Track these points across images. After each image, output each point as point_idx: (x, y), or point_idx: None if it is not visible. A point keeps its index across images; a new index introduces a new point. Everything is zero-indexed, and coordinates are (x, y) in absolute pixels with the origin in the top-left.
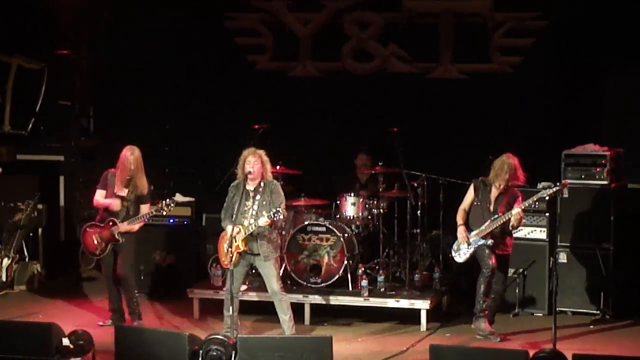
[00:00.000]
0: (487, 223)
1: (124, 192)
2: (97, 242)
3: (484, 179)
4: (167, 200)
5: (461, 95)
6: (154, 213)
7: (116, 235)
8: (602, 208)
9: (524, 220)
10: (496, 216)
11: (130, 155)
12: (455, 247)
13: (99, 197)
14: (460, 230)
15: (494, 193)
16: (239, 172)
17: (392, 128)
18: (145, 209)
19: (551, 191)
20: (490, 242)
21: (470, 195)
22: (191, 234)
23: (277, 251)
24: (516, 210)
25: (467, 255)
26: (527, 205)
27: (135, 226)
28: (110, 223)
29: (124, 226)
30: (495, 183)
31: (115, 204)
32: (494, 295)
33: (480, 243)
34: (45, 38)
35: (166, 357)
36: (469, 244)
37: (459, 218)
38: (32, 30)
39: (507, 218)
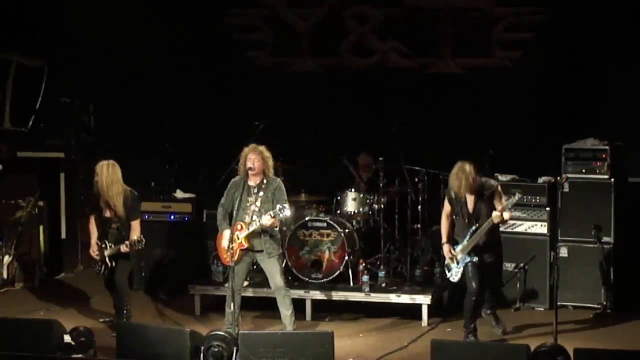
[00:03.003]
0: (467, 238)
1: (110, 213)
2: (94, 260)
3: (455, 191)
4: (137, 238)
5: (461, 89)
6: (123, 249)
7: (106, 259)
8: (603, 202)
9: (524, 215)
10: (473, 228)
11: (99, 174)
12: (446, 267)
13: (91, 225)
14: (446, 250)
15: (470, 201)
16: (240, 168)
17: (392, 123)
18: (135, 225)
19: (514, 199)
20: (475, 259)
21: (447, 207)
22: (192, 230)
23: (280, 247)
24: (495, 213)
25: (460, 274)
26: (506, 207)
27: (125, 249)
28: (103, 246)
29: (108, 252)
30: (464, 194)
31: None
32: (491, 298)
33: (466, 260)
34: (45, 35)
35: (167, 353)
36: (457, 262)
37: (443, 234)
38: (32, 27)
39: (487, 227)
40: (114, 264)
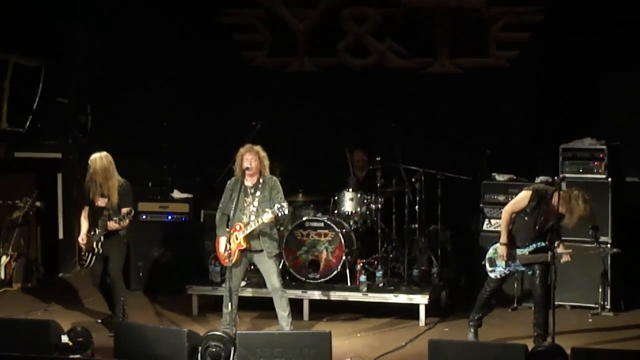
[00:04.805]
0: (530, 249)
1: (102, 202)
2: (82, 251)
3: (544, 194)
4: (125, 211)
5: (458, 89)
6: (111, 225)
7: (94, 245)
8: (600, 202)
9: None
10: (543, 244)
11: (93, 165)
12: (490, 259)
13: (83, 217)
14: (503, 252)
15: (550, 213)
16: (237, 168)
17: (390, 123)
18: (126, 212)
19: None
20: (530, 271)
21: (522, 202)
22: (189, 230)
23: (278, 247)
24: (565, 258)
25: (503, 275)
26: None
27: (113, 225)
28: (92, 233)
29: (96, 237)
30: (557, 202)
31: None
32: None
33: (521, 269)
34: (42, 35)
35: (165, 353)
36: (507, 265)
37: (504, 230)
38: (30, 27)
39: (549, 259)
40: (101, 250)
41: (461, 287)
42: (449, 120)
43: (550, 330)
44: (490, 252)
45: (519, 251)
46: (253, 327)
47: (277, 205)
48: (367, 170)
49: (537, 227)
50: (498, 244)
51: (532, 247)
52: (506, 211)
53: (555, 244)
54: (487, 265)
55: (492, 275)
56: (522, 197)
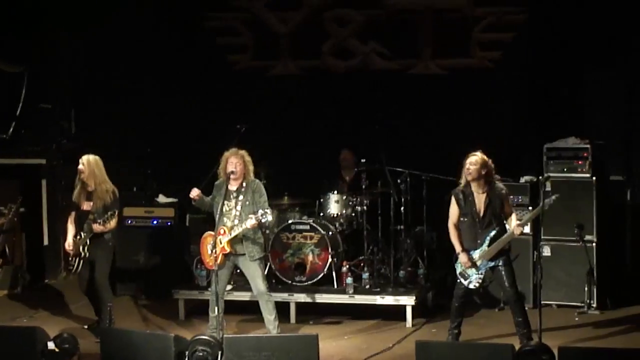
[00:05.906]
0: (487, 243)
1: (87, 206)
2: (68, 256)
3: (463, 189)
4: (110, 213)
5: (442, 90)
6: (96, 228)
7: (80, 249)
8: (585, 200)
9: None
10: (493, 232)
11: (81, 166)
12: (461, 273)
13: (70, 223)
14: (464, 260)
15: (479, 200)
16: (221, 172)
17: (374, 125)
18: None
19: (548, 203)
20: (500, 262)
21: (454, 208)
22: (175, 235)
23: (262, 251)
24: (518, 230)
25: (481, 280)
26: (526, 222)
27: (98, 227)
28: (78, 238)
29: (82, 240)
30: (472, 184)
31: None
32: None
33: (490, 265)
34: (25, 41)
35: (152, 359)
36: (477, 268)
37: (455, 241)
38: (12, 33)
39: (509, 238)
40: (87, 254)
41: (447, 288)
42: (433, 121)
43: (537, 329)
44: (458, 268)
45: (478, 252)
46: (240, 330)
47: (260, 212)
48: (354, 171)
49: (477, 220)
50: (458, 258)
51: (487, 240)
52: (450, 227)
53: (508, 221)
54: (462, 280)
55: (471, 286)
56: (452, 205)
